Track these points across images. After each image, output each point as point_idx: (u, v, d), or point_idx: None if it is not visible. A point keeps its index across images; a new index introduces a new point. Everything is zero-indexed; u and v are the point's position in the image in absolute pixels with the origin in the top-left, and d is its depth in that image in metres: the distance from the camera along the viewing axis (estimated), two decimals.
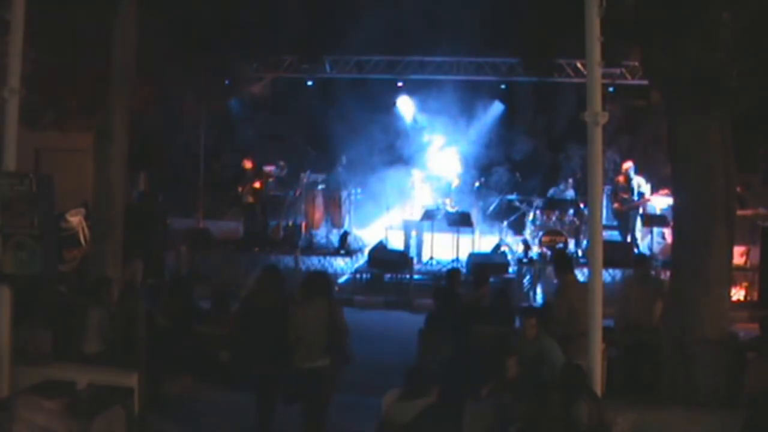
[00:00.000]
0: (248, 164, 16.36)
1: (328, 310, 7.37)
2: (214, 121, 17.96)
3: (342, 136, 17.28)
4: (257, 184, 16.37)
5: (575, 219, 15.42)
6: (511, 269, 14.43)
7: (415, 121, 18.36)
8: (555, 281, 9.59)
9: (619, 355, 8.43)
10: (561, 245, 14.90)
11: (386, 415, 6.51)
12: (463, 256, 15.02)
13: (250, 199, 16.38)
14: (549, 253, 14.40)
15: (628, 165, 15.59)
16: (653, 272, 11.23)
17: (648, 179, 15.56)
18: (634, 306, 8.90)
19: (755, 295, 13.23)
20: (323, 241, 16.19)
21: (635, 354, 8.34)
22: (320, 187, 16.82)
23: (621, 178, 15.70)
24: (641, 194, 15.34)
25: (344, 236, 15.71)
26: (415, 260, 14.93)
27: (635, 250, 14.70)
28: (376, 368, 8.98)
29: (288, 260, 14.68)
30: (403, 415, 6.30)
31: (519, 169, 16.99)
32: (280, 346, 7.35)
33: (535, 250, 14.82)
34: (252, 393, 7.82)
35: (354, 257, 15.47)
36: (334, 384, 7.45)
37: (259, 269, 8.56)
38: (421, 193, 16.65)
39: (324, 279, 7.99)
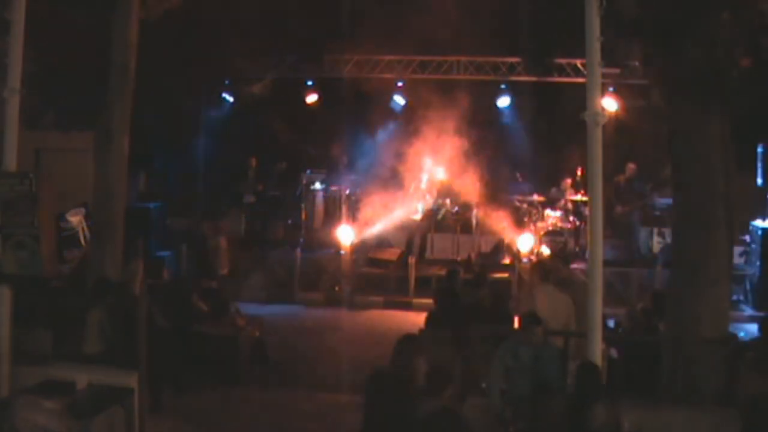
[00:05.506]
0: (253, 163, 16.34)
1: None
2: (214, 120, 17.93)
3: (342, 135, 17.24)
4: (260, 186, 16.39)
5: (575, 219, 15.40)
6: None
7: (414, 119, 18.28)
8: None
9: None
10: (561, 245, 14.89)
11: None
12: (464, 257, 15.00)
13: (252, 199, 16.37)
14: (549, 252, 14.38)
15: (632, 166, 15.58)
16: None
17: (648, 179, 15.56)
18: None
19: None
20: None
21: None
22: (320, 187, 16.80)
23: (621, 179, 15.68)
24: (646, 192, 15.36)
25: None
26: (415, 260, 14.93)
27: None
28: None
29: (289, 259, 14.69)
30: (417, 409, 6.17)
31: (519, 169, 16.96)
32: None
33: (535, 250, 14.78)
34: None
35: None
36: None
37: None
38: (422, 193, 16.59)
39: None
